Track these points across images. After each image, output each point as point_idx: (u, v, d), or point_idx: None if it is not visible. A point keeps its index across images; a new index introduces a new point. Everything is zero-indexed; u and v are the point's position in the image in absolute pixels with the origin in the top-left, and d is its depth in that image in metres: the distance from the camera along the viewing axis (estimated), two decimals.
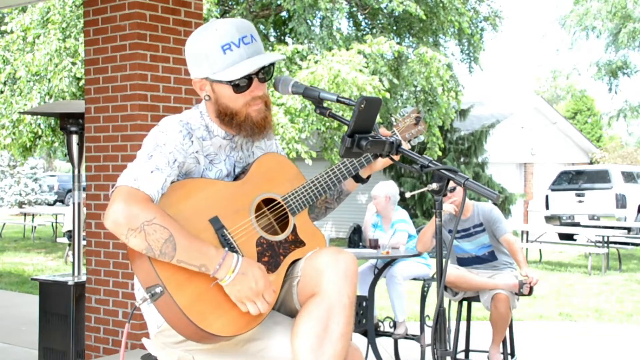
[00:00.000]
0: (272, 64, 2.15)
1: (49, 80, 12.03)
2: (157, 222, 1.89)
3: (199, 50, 2.09)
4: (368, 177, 2.41)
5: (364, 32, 15.46)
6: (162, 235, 1.88)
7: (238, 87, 2.09)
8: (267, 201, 2.19)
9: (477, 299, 5.02)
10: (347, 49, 12.22)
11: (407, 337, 5.53)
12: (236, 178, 2.19)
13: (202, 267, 1.93)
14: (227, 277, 1.94)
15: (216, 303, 1.94)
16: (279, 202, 2.19)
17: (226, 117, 2.12)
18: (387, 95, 12.04)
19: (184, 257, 1.91)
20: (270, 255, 2.11)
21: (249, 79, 2.09)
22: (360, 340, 5.25)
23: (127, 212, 1.88)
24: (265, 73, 2.13)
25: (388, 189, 5.87)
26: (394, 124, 2.40)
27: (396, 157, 2.18)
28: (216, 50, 2.06)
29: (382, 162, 2.33)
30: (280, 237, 2.15)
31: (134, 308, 2.01)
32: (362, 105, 1.96)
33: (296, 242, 2.18)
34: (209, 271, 1.94)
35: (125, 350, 2.15)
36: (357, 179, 2.39)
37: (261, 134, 2.16)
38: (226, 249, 1.99)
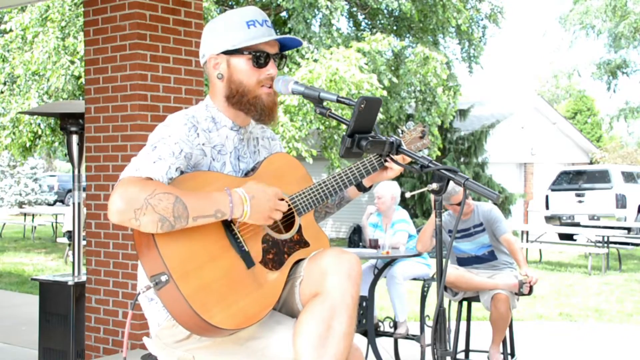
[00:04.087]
0: (285, 57, 2.22)
1: (48, 79, 12.03)
2: (158, 192, 1.88)
3: (222, 24, 2.16)
4: (370, 187, 2.43)
5: (364, 32, 15.47)
6: (169, 201, 1.88)
7: (257, 61, 2.13)
8: None
9: (477, 299, 5.02)
10: (347, 47, 12.24)
11: (407, 337, 5.53)
12: (246, 175, 2.20)
13: (217, 214, 1.95)
14: (245, 209, 1.97)
15: (220, 295, 1.94)
16: (286, 202, 2.20)
17: (237, 94, 2.14)
18: (385, 93, 12.05)
19: (197, 211, 1.91)
20: (275, 253, 2.12)
21: (266, 57, 2.14)
22: (360, 340, 5.25)
23: (126, 196, 1.87)
24: (280, 58, 2.19)
25: (393, 189, 5.86)
26: (400, 135, 2.41)
27: (398, 158, 2.19)
28: (241, 24, 2.13)
29: (389, 174, 2.35)
30: (286, 236, 2.16)
31: (137, 295, 2.01)
32: (362, 106, 1.97)
33: (301, 242, 2.19)
34: (225, 215, 1.96)
35: (127, 349, 2.16)
36: (359, 187, 2.41)
37: (269, 118, 2.19)
38: (226, 188, 2.00)
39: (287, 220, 2.23)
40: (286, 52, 2.27)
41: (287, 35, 2.19)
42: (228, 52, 2.14)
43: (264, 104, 2.15)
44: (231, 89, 2.15)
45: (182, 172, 2.02)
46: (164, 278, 1.90)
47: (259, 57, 2.13)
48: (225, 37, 2.14)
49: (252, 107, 2.15)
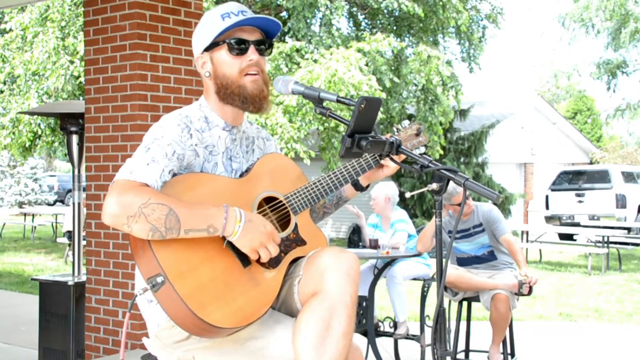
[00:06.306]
0: (272, 44, 2.20)
1: (47, 78, 12.04)
2: (153, 202, 1.89)
3: (202, 25, 2.18)
4: (367, 186, 2.42)
5: (364, 32, 15.47)
6: (162, 212, 1.88)
7: (235, 48, 2.12)
8: (269, 200, 2.20)
9: (477, 299, 5.02)
10: (347, 48, 12.23)
11: (407, 337, 5.53)
12: (240, 176, 2.20)
13: (210, 229, 1.94)
14: (236, 228, 1.96)
15: (217, 295, 1.94)
16: (281, 201, 2.19)
17: (222, 87, 2.14)
18: (383, 94, 12.06)
19: (190, 224, 1.91)
20: None
21: (245, 44, 2.13)
22: (360, 340, 5.25)
23: (121, 202, 1.89)
24: (263, 45, 2.16)
25: (387, 190, 5.87)
26: (396, 133, 2.40)
27: (397, 158, 2.19)
28: (216, 19, 2.14)
29: (385, 172, 2.34)
30: (282, 234, 2.16)
31: (134, 298, 2.02)
32: (362, 106, 1.97)
33: (297, 240, 2.19)
34: (217, 231, 1.95)
35: (125, 350, 2.16)
36: (357, 187, 2.40)
37: (255, 107, 2.15)
38: (224, 204, 1.98)
39: (282, 220, 2.23)
40: (278, 22, 2.23)
41: (258, 15, 2.15)
42: (209, 49, 2.15)
43: (248, 92, 2.13)
44: (217, 84, 2.15)
45: (174, 174, 2.02)
46: (159, 279, 1.91)
47: (236, 44, 2.12)
48: (204, 35, 2.16)
49: (237, 97, 2.13)
